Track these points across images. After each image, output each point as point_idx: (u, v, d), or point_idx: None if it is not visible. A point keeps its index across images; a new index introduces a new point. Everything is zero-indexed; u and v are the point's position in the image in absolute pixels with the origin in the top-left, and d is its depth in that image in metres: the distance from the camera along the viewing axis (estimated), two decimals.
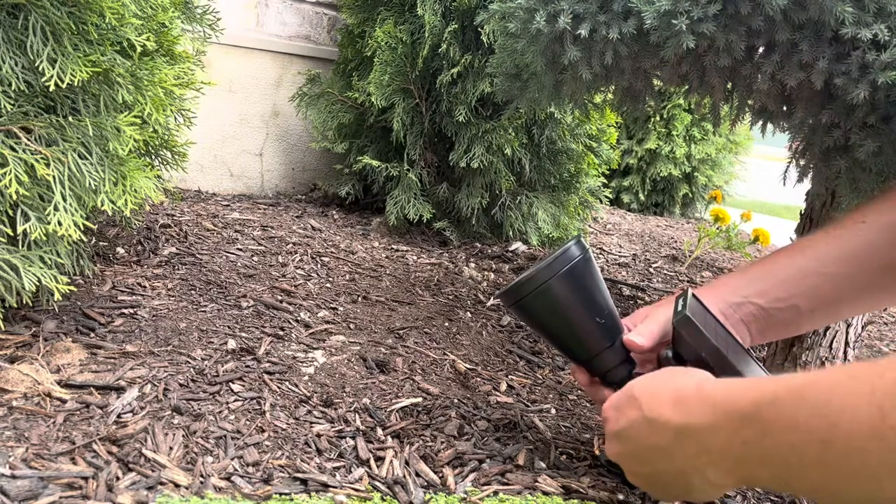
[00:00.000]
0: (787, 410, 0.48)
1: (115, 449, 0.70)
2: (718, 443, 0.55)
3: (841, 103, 0.85)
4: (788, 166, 1.08)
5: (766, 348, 1.25)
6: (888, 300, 0.76)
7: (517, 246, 2.01)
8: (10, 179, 0.77)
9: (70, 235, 0.84)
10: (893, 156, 0.81)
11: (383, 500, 0.70)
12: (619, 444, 0.67)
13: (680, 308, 0.73)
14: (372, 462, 0.77)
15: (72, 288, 0.89)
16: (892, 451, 0.40)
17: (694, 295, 0.75)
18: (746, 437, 0.52)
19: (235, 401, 0.85)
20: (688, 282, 2.12)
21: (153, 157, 1.24)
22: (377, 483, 0.73)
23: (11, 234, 0.83)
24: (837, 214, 1.11)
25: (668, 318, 0.76)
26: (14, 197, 0.80)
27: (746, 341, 0.76)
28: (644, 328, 0.78)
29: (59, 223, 0.84)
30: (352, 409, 0.89)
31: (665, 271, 2.20)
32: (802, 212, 1.24)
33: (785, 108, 1.00)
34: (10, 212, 0.82)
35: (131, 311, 1.05)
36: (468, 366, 1.10)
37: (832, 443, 0.44)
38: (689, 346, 0.72)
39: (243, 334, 1.05)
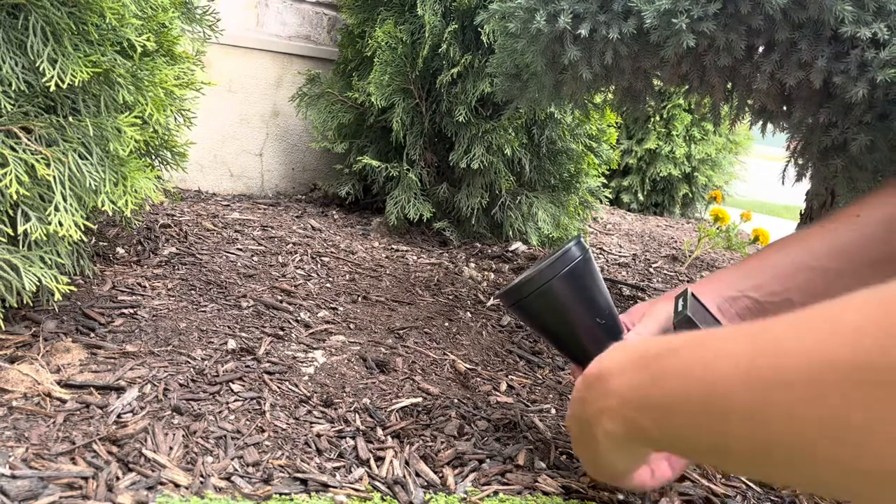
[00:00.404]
0: (684, 355, 0.47)
1: (115, 449, 0.70)
2: (619, 384, 0.54)
3: (839, 102, 0.85)
4: (787, 166, 1.08)
5: None
6: None
7: (517, 246, 2.01)
8: (11, 179, 0.77)
9: (70, 236, 0.84)
10: (888, 153, 0.81)
11: (383, 500, 0.70)
12: (569, 409, 0.67)
13: (680, 308, 0.73)
14: (372, 462, 0.77)
15: (72, 288, 0.89)
16: (750, 390, 0.39)
17: (693, 294, 0.75)
18: (641, 378, 0.50)
19: (235, 401, 0.85)
20: (688, 282, 2.12)
21: (153, 157, 1.24)
22: (377, 483, 0.73)
23: (12, 234, 0.83)
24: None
25: (667, 316, 0.76)
26: (14, 197, 0.80)
27: None
28: (643, 328, 0.77)
29: (60, 223, 0.84)
30: (352, 409, 0.89)
31: (665, 271, 2.20)
32: (802, 212, 1.24)
33: (784, 108, 1.01)
34: (11, 212, 0.82)
35: (131, 311, 1.05)
36: (468, 366, 1.10)
37: (714, 387, 0.42)
38: None
39: (243, 334, 1.05)
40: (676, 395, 0.46)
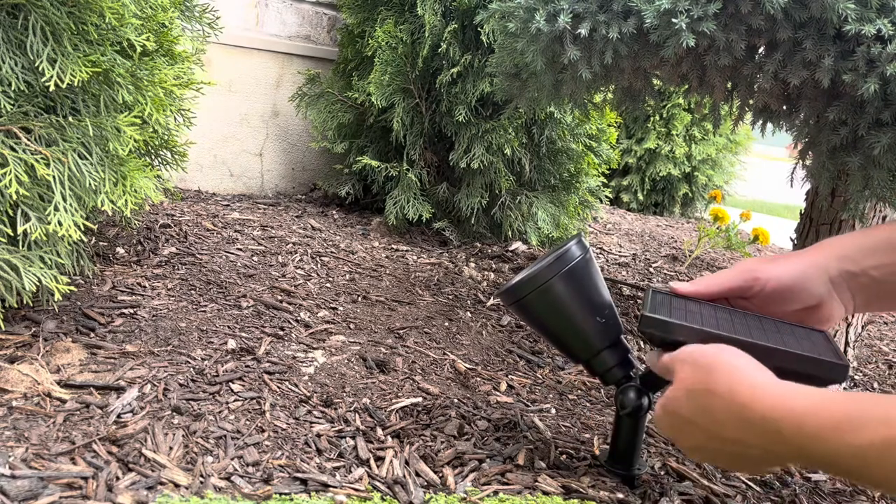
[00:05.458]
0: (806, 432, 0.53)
1: (115, 449, 0.70)
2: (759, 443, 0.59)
3: (849, 100, 0.84)
4: (795, 167, 1.07)
5: None
6: None
7: (517, 246, 2.01)
8: (11, 179, 0.77)
9: (70, 235, 0.84)
10: None
11: (383, 499, 0.70)
12: (688, 401, 0.65)
13: (641, 312, 0.71)
14: (372, 462, 0.77)
15: (72, 288, 0.89)
16: None
17: (653, 289, 0.75)
18: (779, 451, 0.57)
19: (235, 401, 0.85)
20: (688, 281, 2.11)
21: (153, 157, 1.24)
22: (377, 483, 0.73)
23: (12, 234, 0.83)
24: (841, 214, 1.11)
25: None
26: (14, 197, 0.80)
27: (849, 309, 0.74)
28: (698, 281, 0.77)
29: (60, 223, 0.83)
30: (352, 409, 0.88)
31: (665, 271, 2.20)
32: (802, 211, 1.24)
33: (785, 108, 1.00)
34: (11, 212, 0.82)
35: (131, 311, 1.05)
36: (468, 366, 1.10)
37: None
38: (659, 339, 0.70)
39: (243, 334, 1.05)
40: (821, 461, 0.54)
